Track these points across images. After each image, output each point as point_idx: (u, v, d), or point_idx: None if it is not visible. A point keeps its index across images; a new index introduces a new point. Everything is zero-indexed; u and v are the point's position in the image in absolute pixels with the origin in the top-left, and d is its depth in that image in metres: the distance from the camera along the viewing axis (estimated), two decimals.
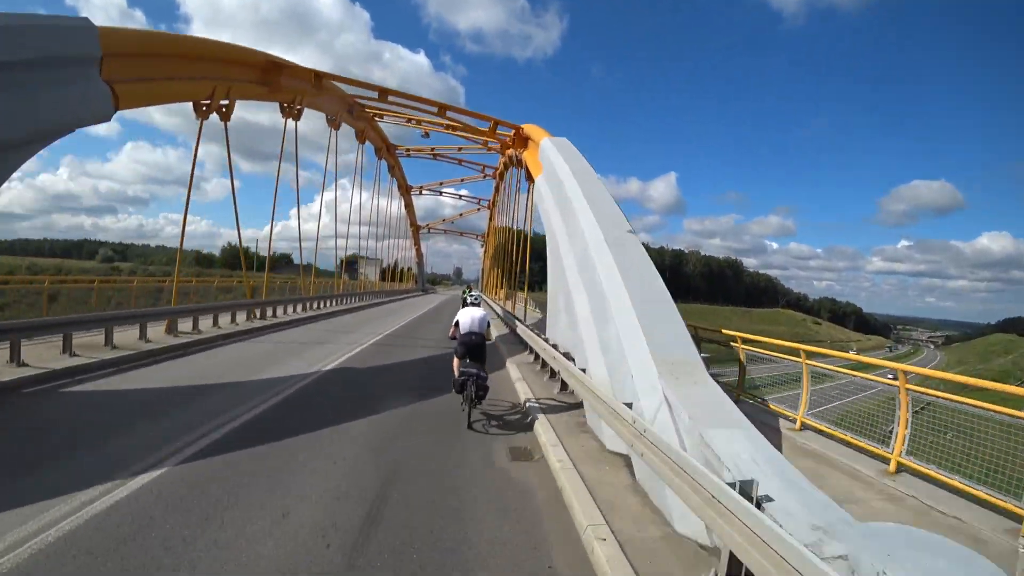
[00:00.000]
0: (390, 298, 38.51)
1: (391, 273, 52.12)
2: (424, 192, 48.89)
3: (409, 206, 50.81)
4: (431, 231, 60.33)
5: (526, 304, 22.07)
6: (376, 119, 25.98)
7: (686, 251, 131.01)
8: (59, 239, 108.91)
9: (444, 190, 48.52)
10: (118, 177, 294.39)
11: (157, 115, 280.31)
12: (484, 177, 40.90)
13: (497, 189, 41.03)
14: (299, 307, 21.21)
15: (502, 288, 35.68)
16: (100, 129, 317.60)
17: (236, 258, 67.24)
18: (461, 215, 59.69)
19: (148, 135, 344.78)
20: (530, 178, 16.06)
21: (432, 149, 34.86)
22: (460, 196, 54.67)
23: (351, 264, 49.75)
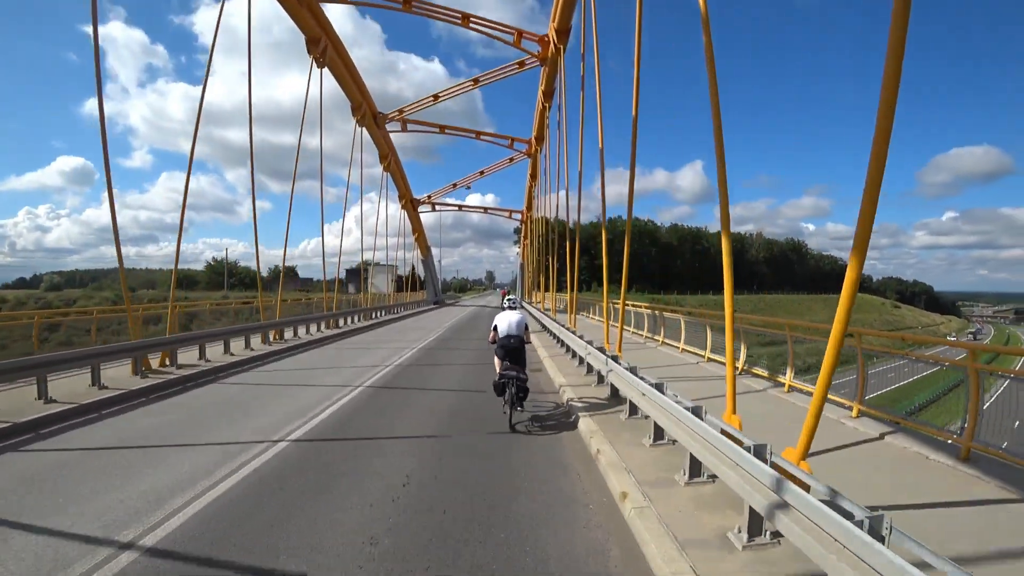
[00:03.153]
0: (372, 320, 27.47)
1: (408, 282, 43.75)
2: (410, 125, 30.14)
3: (387, 158, 31.16)
4: (437, 208, 42.68)
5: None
6: None
7: (749, 235, 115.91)
8: (91, 268, 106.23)
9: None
10: (156, 206, 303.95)
11: (184, 143, 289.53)
12: (522, 66, 25.09)
13: (541, 119, 26.35)
14: (252, 340, 13.96)
15: (547, 291, 26.26)
16: (135, 161, 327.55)
17: (221, 275, 58.79)
18: (482, 173, 39.89)
19: (179, 164, 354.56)
20: None
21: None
22: (487, 137, 35.45)
23: (356, 274, 41.86)
